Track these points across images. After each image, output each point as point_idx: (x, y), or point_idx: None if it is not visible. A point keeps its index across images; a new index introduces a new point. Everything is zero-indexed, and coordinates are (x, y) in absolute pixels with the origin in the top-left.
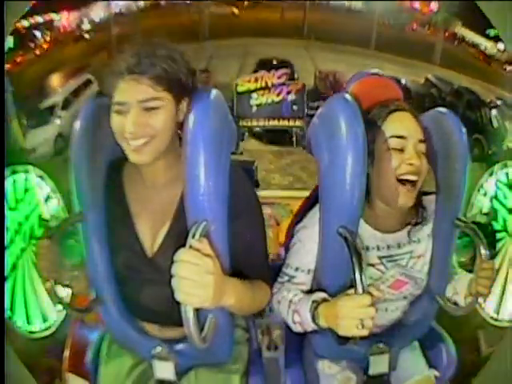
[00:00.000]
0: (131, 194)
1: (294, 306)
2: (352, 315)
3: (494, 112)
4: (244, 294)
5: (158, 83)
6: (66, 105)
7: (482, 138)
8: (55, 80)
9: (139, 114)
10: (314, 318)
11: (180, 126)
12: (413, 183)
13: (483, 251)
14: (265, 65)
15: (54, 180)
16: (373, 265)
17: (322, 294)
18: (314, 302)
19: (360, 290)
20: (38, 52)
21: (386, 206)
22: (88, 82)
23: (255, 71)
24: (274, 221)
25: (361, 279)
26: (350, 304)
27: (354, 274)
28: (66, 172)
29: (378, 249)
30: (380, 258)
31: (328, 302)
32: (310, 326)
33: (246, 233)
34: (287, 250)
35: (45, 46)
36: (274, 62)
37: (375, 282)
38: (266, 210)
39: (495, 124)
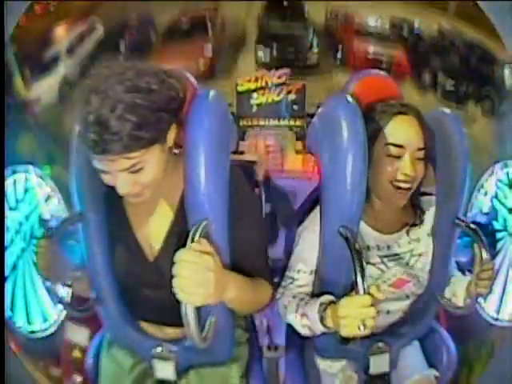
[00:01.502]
0: (129, 201)
1: (301, 309)
2: (353, 315)
3: (507, 71)
4: (245, 288)
5: (130, 152)
6: (70, 50)
7: (492, 92)
8: (59, 30)
9: (125, 177)
10: (322, 320)
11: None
12: (406, 188)
13: (483, 252)
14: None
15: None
16: (374, 264)
17: (330, 297)
18: (322, 304)
19: (361, 290)
20: (40, 10)
21: (383, 203)
22: (93, 27)
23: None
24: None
25: (362, 279)
26: (351, 304)
27: (355, 274)
28: (68, 119)
29: (379, 248)
30: (381, 257)
31: (335, 303)
32: (319, 329)
33: (247, 233)
34: (289, 252)
35: (48, 6)
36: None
37: (376, 280)
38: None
39: (508, 83)
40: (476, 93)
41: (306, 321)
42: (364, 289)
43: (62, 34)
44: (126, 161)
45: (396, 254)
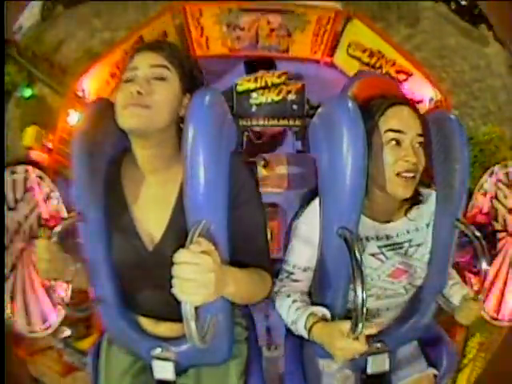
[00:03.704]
0: (129, 190)
1: (291, 316)
2: (348, 354)
3: None
4: (243, 281)
5: (171, 59)
6: None
7: None
8: None
9: (146, 80)
10: (309, 334)
11: (182, 121)
12: (411, 177)
13: (482, 254)
14: None
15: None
16: (373, 254)
17: (319, 311)
18: (310, 315)
19: (359, 291)
20: None
21: (385, 194)
22: None
23: None
24: (286, 32)
25: (360, 280)
26: (347, 348)
27: (354, 275)
28: (55, 33)
29: (377, 238)
30: (379, 247)
31: (324, 323)
32: (307, 336)
33: (247, 221)
34: (286, 245)
35: None
36: None
37: (376, 271)
38: (276, 18)
39: None
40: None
41: (294, 327)
42: (363, 290)
43: None
44: (161, 59)
45: (395, 244)
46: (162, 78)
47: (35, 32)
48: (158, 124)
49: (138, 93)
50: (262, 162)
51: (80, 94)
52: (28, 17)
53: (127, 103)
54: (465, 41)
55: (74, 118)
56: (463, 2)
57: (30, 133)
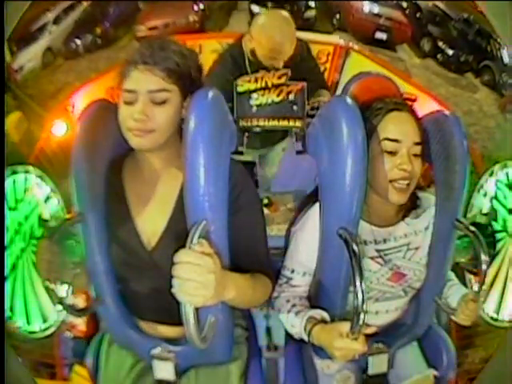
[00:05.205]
0: (130, 190)
1: (291, 321)
2: (348, 355)
3: (505, 51)
4: (244, 286)
5: (169, 75)
6: (57, 21)
7: (492, 64)
8: (47, 3)
9: (147, 104)
10: (308, 336)
11: (183, 122)
12: (406, 184)
13: (482, 254)
14: None
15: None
16: (372, 258)
17: (318, 314)
18: (309, 318)
19: (359, 291)
20: None
21: (382, 198)
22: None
23: None
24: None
25: (360, 281)
26: (346, 349)
27: (354, 276)
28: (54, 82)
29: (376, 242)
30: (378, 251)
31: (323, 325)
32: (307, 340)
33: (247, 225)
34: (285, 250)
35: None
36: None
37: (375, 274)
38: None
39: (505, 60)
40: (475, 65)
41: (294, 330)
42: (362, 289)
43: (50, 6)
44: (160, 81)
45: (392, 248)
46: (162, 102)
47: (35, 76)
48: (163, 140)
49: (141, 122)
50: (266, 201)
51: (70, 108)
52: (30, 59)
53: (131, 127)
54: (455, 90)
55: (60, 128)
56: (450, 52)
57: (12, 119)
